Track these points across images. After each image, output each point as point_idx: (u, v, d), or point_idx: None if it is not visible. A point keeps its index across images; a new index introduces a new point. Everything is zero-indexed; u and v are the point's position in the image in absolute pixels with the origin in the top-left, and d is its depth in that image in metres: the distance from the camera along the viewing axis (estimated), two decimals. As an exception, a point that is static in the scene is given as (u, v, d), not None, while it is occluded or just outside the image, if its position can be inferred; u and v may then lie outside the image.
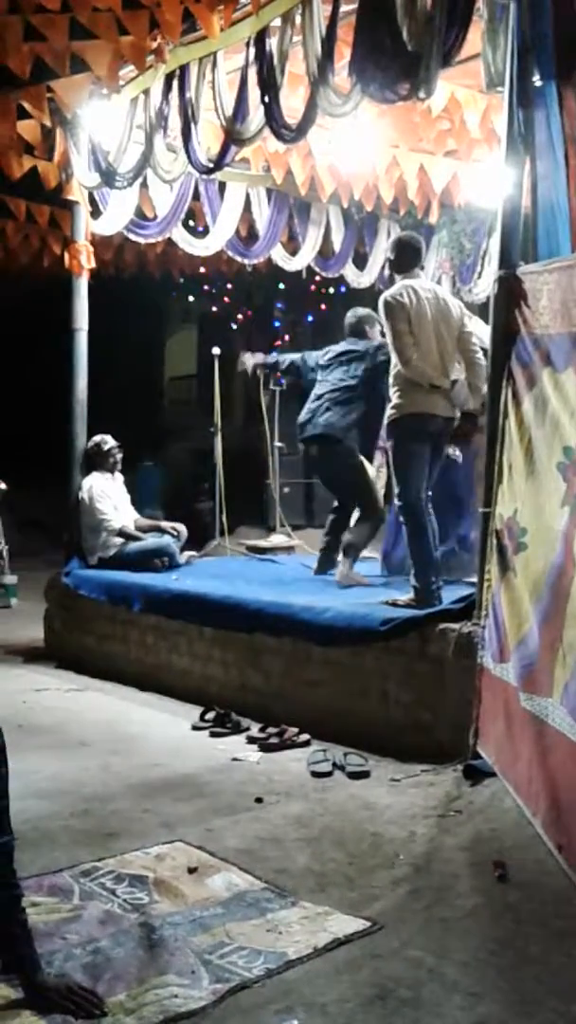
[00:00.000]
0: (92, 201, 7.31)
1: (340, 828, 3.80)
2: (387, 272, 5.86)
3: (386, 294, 5.30)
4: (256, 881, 3.32)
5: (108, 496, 7.10)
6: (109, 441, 7.25)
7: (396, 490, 5.24)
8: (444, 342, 5.28)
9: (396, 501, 5.26)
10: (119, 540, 7.01)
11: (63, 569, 7.13)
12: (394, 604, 5.19)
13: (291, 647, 5.33)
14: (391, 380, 5.32)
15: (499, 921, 3.02)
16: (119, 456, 7.27)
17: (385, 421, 5.35)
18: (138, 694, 6.06)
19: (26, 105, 6.52)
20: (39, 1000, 2.52)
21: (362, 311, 6.77)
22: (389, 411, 5.29)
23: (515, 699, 3.92)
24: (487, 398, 4.55)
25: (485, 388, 5.43)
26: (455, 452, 5.84)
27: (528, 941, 2.88)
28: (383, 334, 6.42)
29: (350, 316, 6.79)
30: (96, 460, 7.20)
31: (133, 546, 7.02)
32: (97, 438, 7.25)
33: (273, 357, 7.48)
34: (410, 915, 3.07)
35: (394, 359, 5.27)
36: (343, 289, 10.24)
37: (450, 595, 5.07)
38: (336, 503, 6.86)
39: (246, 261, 8.55)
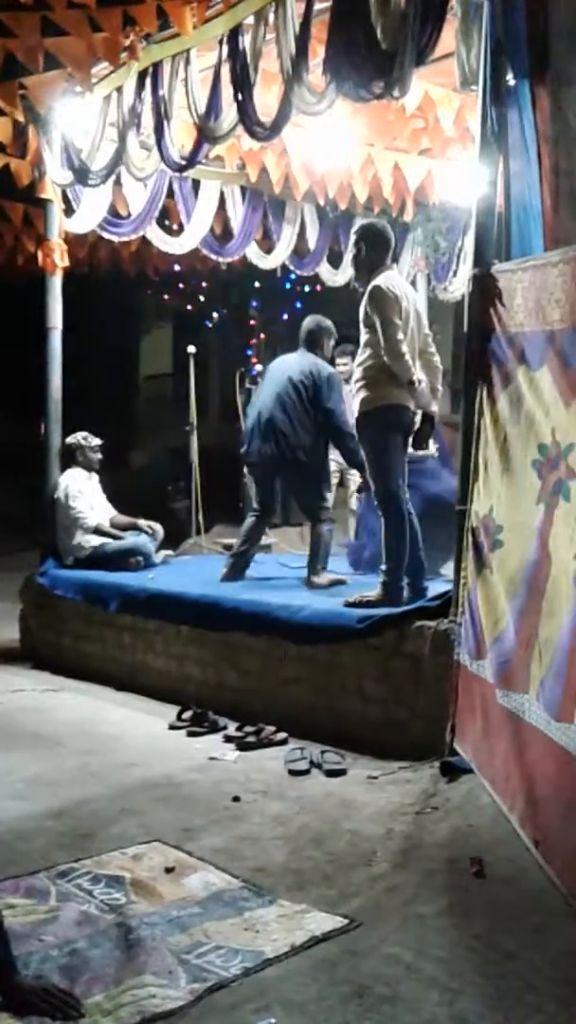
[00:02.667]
0: (65, 199, 7.27)
1: (317, 826, 3.80)
2: (353, 270, 5.59)
3: (379, 283, 5.13)
4: (233, 880, 3.32)
5: (84, 494, 7.06)
6: (92, 439, 7.21)
7: (373, 484, 5.19)
8: (415, 340, 5.25)
9: (373, 495, 5.21)
10: (95, 539, 6.97)
11: (38, 569, 7.10)
12: (357, 603, 5.16)
13: (268, 645, 5.33)
14: (360, 372, 5.20)
15: (476, 917, 3.03)
16: (98, 456, 7.24)
17: (355, 413, 5.24)
18: (115, 694, 6.03)
19: (-2, 102, 6.48)
20: (16, 1002, 2.51)
21: (324, 321, 6.65)
22: (361, 403, 5.18)
23: (492, 696, 3.93)
24: (463, 396, 4.54)
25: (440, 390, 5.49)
26: (433, 448, 5.86)
27: (505, 937, 2.89)
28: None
29: (311, 324, 6.61)
30: (76, 456, 7.15)
31: (109, 545, 6.99)
32: (81, 434, 7.20)
33: None
34: (388, 912, 3.07)
35: (368, 351, 5.17)
36: (318, 287, 10.23)
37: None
38: (257, 506, 6.79)
39: (221, 259, 8.53)
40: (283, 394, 6.32)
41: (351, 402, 5.42)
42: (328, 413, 6.27)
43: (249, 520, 6.74)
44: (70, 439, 7.17)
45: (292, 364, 6.48)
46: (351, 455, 6.21)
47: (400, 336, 5.03)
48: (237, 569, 6.50)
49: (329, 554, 6.43)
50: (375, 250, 5.30)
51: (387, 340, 5.03)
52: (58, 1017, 2.47)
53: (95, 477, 7.30)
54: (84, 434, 7.20)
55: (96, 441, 7.22)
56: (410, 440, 5.35)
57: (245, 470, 7.57)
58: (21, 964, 2.63)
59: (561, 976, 2.67)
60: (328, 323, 6.64)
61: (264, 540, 8.05)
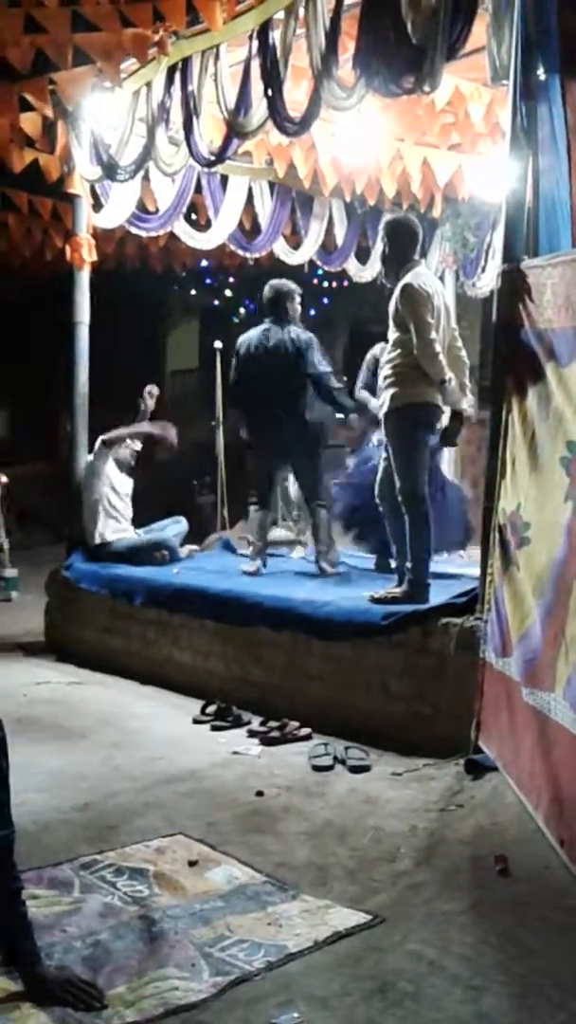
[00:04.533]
0: (94, 194, 7.28)
1: (341, 822, 3.80)
2: (382, 266, 5.58)
3: (411, 281, 5.10)
4: (257, 874, 3.32)
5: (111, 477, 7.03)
6: (135, 443, 7.15)
7: (399, 481, 5.17)
8: (444, 336, 5.23)
9: (398, 493, 5.19)
10: (120, 531, 6.97)
11: (64, 562, 7.13)
12: (382, 600, 5.15)
13: (292, 641, 5.33)
14: (390, 369, 5.20)
15: (500, 915, 3.02)
16: (131, 462, 7.19)
17: (384, 410, 5.23)
18: (139, 687, 6.05)
19: (28, 97, 6.50)
20: (39, 992, 2.52)
21: (283, 285, 6.60)
22: (390, 400, 5.17)
23: (517, 693, 3.91)
24: (491, 393, 4.52)
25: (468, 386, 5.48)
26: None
27: (529, 935, 2.88)
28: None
29: (272, 292, 6.58)
30: (115, 451, 7.09)
31: (133, 540, 7.00)
32: (128, 435, 7.12)
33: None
34: (411, 909, 3.07)
35: (399, 350, 5.15)
36: (346, 283, 10.22)
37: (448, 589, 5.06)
38: (258, 497, 6.85)
39: (248, 255, 8.53)
40: (272, 372, 6.36)
41: (379, 398, 5.40)
42: (317, 378, 6.33)
43: (258, 513, 6.83)
44: (114, 435, 7.06)
45: (271, 338, 6.47)
46: (345, 408, 6.47)
47: (434, 336, 5.01)
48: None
49: (333, 538, 6.48)
50: (403, 246, 5.28)
51: (421, 341, 5.00)
52: (80, 1008, 2.49)
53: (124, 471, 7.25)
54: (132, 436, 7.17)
55: (137, 445, 7.18)
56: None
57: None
58: (44, 955, 2.65)
59: (585, 975, 2.66)
60: (287, 285, 6.63)
61: (290, 535, 8.06)
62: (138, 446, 7.21)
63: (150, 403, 7.29)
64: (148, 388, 7.34)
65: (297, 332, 6.48)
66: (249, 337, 6.61)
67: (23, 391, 14.10)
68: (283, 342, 6.40)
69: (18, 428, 14.88)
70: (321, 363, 6.37)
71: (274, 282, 6.70)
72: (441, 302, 5.22)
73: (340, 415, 6.57)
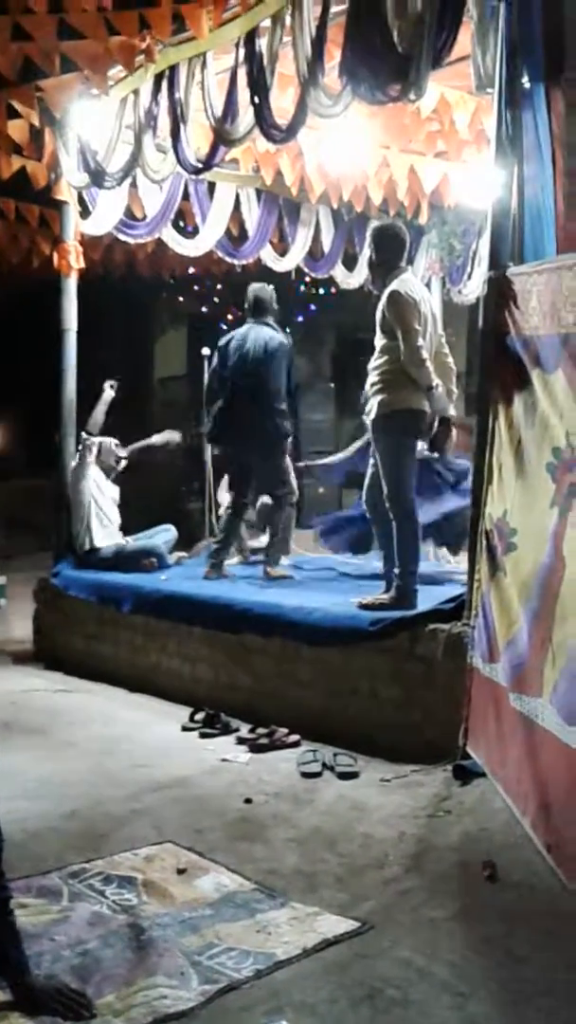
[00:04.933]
0: (81, 201, 7.29)
1: (330, 829, 3.80)
2: (369, 273, 5.64)
3: (397, 288, 5.11)
4: (245, 882, 3.32)
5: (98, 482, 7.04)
6: (120, 451, 7.17)
7: (386, 487, 5.18)
8: (431, 343, 5.25)
9: (386, 499, 5.20)
10: (110, 535, 6.98)
11: (52, 570, 7.11)
12: (371, 606, 5.15)
13: (280, 647, 5.33)
14: (377, 376, 5.20)
15: (488, 921, 3.02)
16: (119, 468, 7.21)
17: (371, 416, 5.24)
18: (127, 695, 6.04)
19: (15, 105, 6.50)
20: (28, 1002, 2.51)
21: (264, 289, 6.76)
22: (378, 407, 5.18)
23: (505, 699, 3.92)
24: (477, 399, 4.54)
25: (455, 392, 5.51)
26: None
27: (517, 941, 2.88)
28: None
29: (258, 292, 6.73)
30: (99, 461, 7.09)
31: (122, 546, 6.99)
32: (112, 440, 7.15)
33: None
34: (399, 915, 3.07)
35: (385, 356, 5.16)
36: (333, 290, 10.23)
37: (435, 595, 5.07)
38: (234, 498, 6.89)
39: (235, 261, 8.55)
40: (252, 372, 6.44)
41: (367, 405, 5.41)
42: (296, 384, 6.52)
43: (226, 516, 6.85)
44: (97, 441, 7.08)
45: (252, 340, 6.55)
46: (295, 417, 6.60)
47: (421, 342, 5.03)
48: (217, 567, 6.58)
49: (290, 540, 6.51)
50: (389, 253, 5.30)
51: (408, 347, 5.01)
52: (70, 1017, 2.48)
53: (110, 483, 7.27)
54: (114, 441, 7.17)
55: (122, 453, 7.20)
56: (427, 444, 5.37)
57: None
58: (33, 964, 2.64)
59: (573, 980, 2.66)
60: (269, 288, 6.78)
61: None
62: (123, 452, 7.22)
63: (105, 397, 7.30)
64: (109, 382, 7.37)
65: (276, 336, 6.59)
66: (230, 338, 6.72)
67: (15, 401, 14.04)
68: (259, 342, 6.51)
69: (15, 440, 14.82)
70: (279, 375, 6.48)
71: (257, 285, 6.83)
72: (427, 308, 5.24)
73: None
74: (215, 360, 6.79)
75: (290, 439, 6.74)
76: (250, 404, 6.47)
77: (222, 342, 6.75)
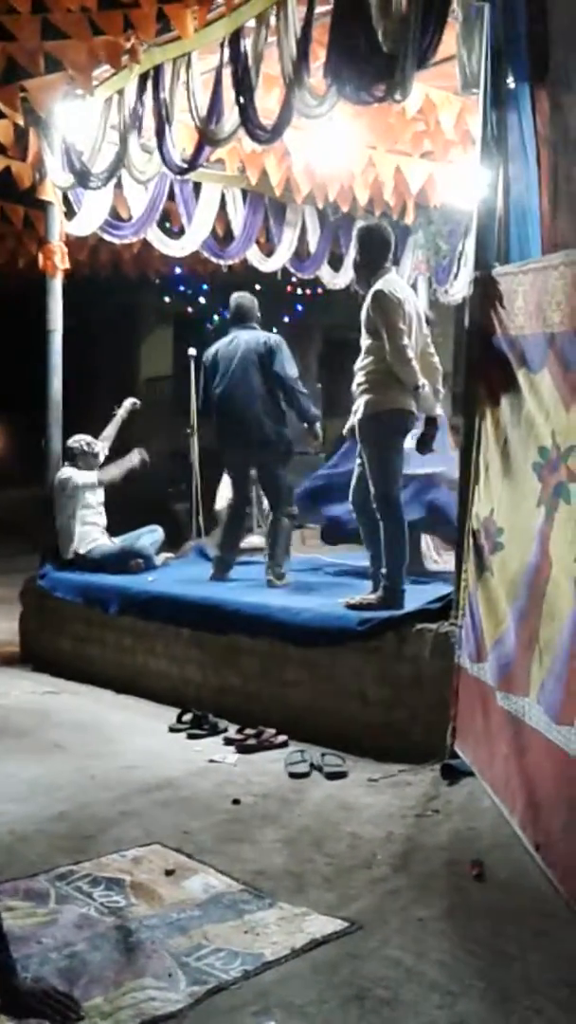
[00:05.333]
0: (66, 201, 7.27)
1: (318, 829, 3.80)
2: (355, 273, 5.65)
3: (381, 287, 5.11)
4: (233, 883, 3.31)
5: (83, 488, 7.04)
6: (95, 446, 7.18)
7: (374, 487, 5.18)
8: (416, 342, 5.25)
9: (373, 499, 5.20)
10: (97, 537, 6.97)
11: (38, 571, 7.10)
12: (358, 606, 5.16)
13: (268, 648, 5.33)
14: (363, 376, 5.20)
15: (477, 920, 3.03)
16: (99, 462, 7.22)
17: (358, 416, 5.24)
18: (115, 696, 6.03)
19: (-1, 105, 6.48)
20: (15, 1005, 2.50)
21: (246, 296, 6.76)
22: (364, 407, 5.18)
23: (492, 698, 3.93)
24: (463, 399, 4.54)
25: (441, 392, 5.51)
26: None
27: (506, 940, 2.89)
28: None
29: (242, 299, 6.72)
30: (77, 462, 7.13)
31: (109, 548, 6.99)
32: (84, 439, 7.16)
33: None
34: (388, 915, 3.07)
35: (371, 356, 5.16)
36: (319, 290, 10.24)
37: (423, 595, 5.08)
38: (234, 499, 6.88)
39: (221, 262, 8.54)
40: (247, 375, 6.40)
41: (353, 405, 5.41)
42: (283, 379, 6.37)
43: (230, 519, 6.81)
44: (72, 442, 7.15)
45: (243, 342, 6.50)
46: (308, 415, 6.46)
47: (406, 341, 5.03)
48: (223, 568, 6.57)
49: (290, 550, 6.48)
50: (375, 253, 5.30)
51: (393, 346, 5.01)
52: (57, 1020, 2.47)
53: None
54: (87, 439, 7.17)
55: (98, 448, 7.21)
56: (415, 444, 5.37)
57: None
58: (20, 966, 2.62)
59: (562, 979, 2.67)
60: (251, 296, 6.79)
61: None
62: (100, 448, 7.23)
63: (121, 413, 7.34)
64: (132, 400, 7.46)
65: (266, 335, 6.55)
66: (216, 346, 6.65)
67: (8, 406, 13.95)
68: (251, 345, 6.45)
69: (12, 446, 14.72)
70: (288, 366, 6.41)
71: (240, 293, 6.81)
72: (412, 308, 5.24)
73: (304, 422, 6.57)
74: (204, 372, 6.69)
75: (291, 451, 6.67)
76: (248, 408, 6.39)
77: (209, 353, 6.66)
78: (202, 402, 6.82)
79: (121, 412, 7.47)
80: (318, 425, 6.73)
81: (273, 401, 6.42)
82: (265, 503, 7.75)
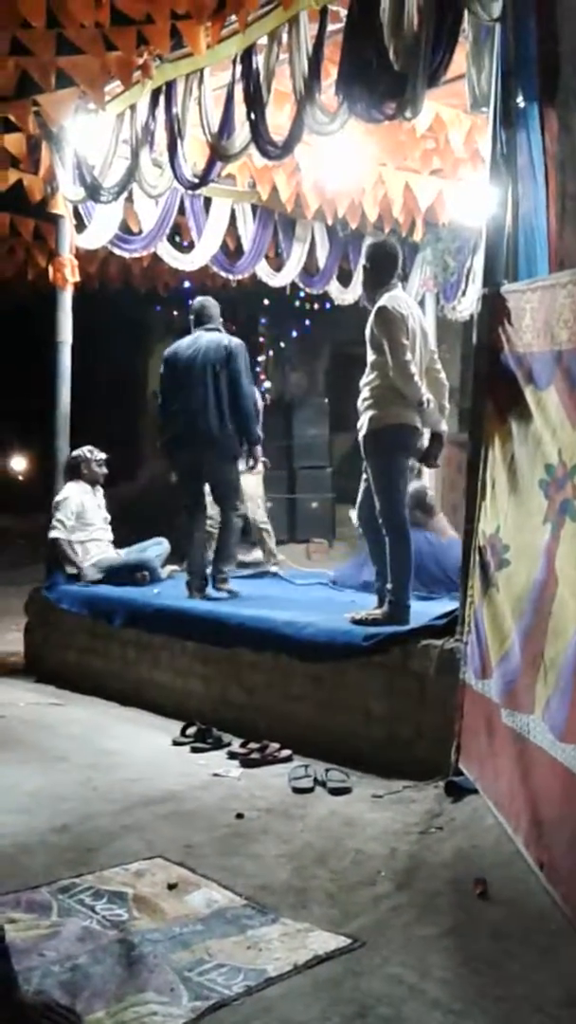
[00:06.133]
0: (77, 215, 7.32)
1: (321, 845, 3.79)
2: (362, 289, 5.67)
3: (385, 303, 5.13)
4: (236, 898, 3.30)
5: (73, 504, 7.02)
6: (97, 453, 7.21)
7: (378, 503, 5.19)
8: (422, 358, 5.26)
9: (378, 515, 5.21)
10: (104, 546, 6.99)
11: (44, 583, 7.11)
12: (363, 621, 5.15)
13: (273, 662, 5.32)
14: (368, 392, 5.19)
15: (480, 938, 3.01)
16: (104, 471, 7.25)
17: (362, 432, 5.25)
18: (119, 709, 6.03)
19: (12, 118, 6.53)
20: (17, 1018, 2.49)
21: (208, 300, 6.78)
22: (368, 422, 5.19)
23: (497, 715, 3.92)
24: (470, 415, 4.55)
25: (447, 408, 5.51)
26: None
27: (509, 958, 2.88)
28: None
29: (204, 302, 6.74)
30: (81, 470, 7.15)
31: (114, 560, 7.00)
32: (86, 448, 7.20)
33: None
34: (391, 932, 3.06)
35: (375, 372, 5.17)
36: (328, 306, 10.26)
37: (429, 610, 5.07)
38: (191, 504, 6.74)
39: (231, 276, 8.58)
40: (208, 375, 6.38)
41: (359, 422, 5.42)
42: (234, 382, 6.34)
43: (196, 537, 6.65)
44: (75, 452, 7.18)
45: (207, 342, 6.49)
46: (246, 427, 6.41)
47: (409, 357, 5.04)
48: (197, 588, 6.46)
49: (237, 553, 6.45)
50: (381, 269, 5.32)
51: (396, 362, 5.03)
52: (59, 1033, 2.47)
53: (99, 492, 7.29)
54: (90, 448, 7.20)
55: (101, 455, 7.22)
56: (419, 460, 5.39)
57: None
58: (22, 979, 2.62)
59: (565, 998, 2.65)
60: (213, 300, 6.79)
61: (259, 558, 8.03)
62: (103, 456, 7.23)
63: (96, 470, 7.24)
64: (98, 458, 7.25)
65: (228, 337, 6.55)
66: (176, 346, 6.65)
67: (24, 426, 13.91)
68: (212, 346, 6.45)
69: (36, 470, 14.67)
70: (244, 372, 6.42)
71: (201, 297, 6.84)
72: (417, 324, 5.25)
73: (244, 438, 6.52)
74: (163, 371, 6.66)
75: (259, 446, 6.69)
76: (203, 408, 6.35)
77: (169, 351, 6.64)
78: (161, 401, 6.75)
79: (95, 469, 7.26)
80: (258, 449, 6.69)
81: (226, 402, 6.38)
82: (251, 513, 7.73)
